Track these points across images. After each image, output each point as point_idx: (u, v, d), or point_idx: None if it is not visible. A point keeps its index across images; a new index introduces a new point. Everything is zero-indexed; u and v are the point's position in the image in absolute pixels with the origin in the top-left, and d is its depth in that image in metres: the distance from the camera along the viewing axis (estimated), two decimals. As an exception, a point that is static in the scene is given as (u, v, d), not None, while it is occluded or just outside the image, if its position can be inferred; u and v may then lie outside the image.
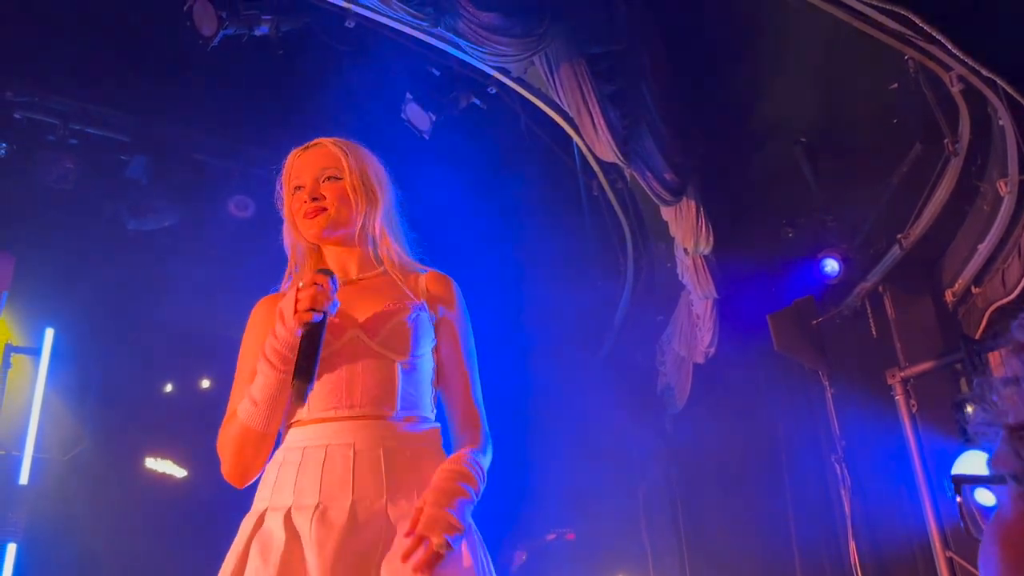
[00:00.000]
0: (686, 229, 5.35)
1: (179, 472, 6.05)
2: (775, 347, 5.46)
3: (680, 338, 6.12)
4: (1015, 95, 3.74)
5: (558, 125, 5.72)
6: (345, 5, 4.70)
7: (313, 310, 1.72)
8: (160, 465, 6.00)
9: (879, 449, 5.21)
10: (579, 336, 6.82)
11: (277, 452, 1.83)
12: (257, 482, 1.84)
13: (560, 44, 4.85)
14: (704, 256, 5.43)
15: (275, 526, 1.69)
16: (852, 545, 5.19)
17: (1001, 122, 4.02)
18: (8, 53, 5.16)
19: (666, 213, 5.52)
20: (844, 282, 5.42)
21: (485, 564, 1.76)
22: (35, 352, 5.68)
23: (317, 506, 1.69)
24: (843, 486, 5.27)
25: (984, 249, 4.57)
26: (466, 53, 5.00)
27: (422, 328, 1.88)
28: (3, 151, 5.45)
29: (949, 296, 5.07)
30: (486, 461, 1.86)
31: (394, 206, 2.07)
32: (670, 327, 6.36)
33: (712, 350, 5.70)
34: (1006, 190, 4.18)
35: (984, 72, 3.78)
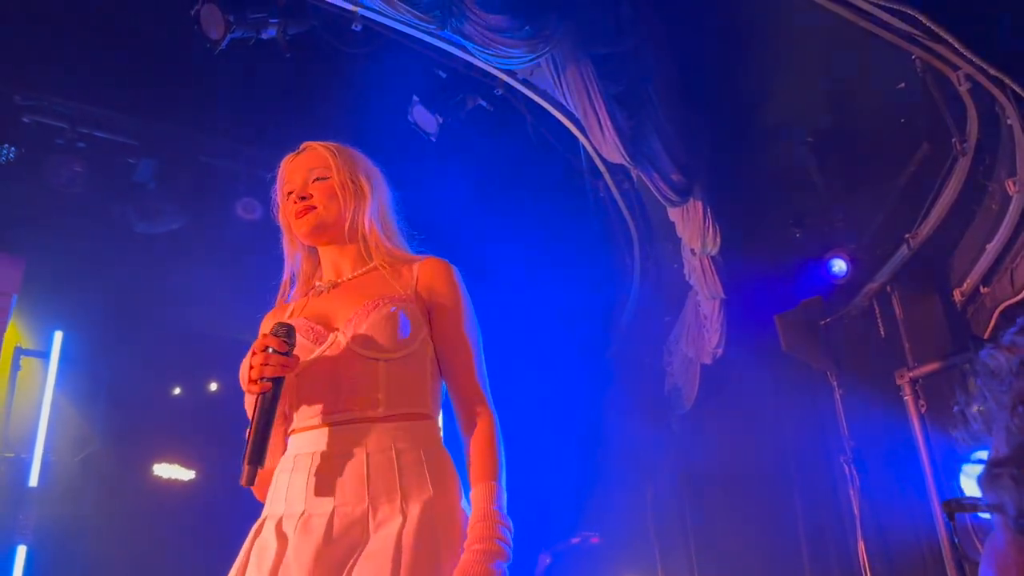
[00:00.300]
0: (693, 230, 5.35)
1: (187, 475, 6.07)
2: (783, 348, 5.46)
3: (687, 339, 6.11)
4: (1023, 94, 3.73)
5: (564, 126, 5.72)
6: (352, 8, 4.72)
7: (265, 378, 1.70)
8: (167, 471, 6.02)
9: (888, 449, 5.20)
10: (586, 337, 6.81)
11: (281, 460, 1.85)
12: None
13: (566, 45, 4.85)
14: (711, 257, 5.42)
15: (269, 534, 1.72)
16: (861, 545, 5.18)
17: (1009, 121, 4.01)
18: (16, 57, 5.18)
19: (673, 214, 5.51)
20: (852, 282, 5.41)
21: None
22: (44, 355, 5.69)
23: (303, 514, 1.70)
24: (852, 486, 5.26)
25: (992, 248, 4.56)
26: (472, 55, 5.01)
27: (406, 321, 1.83)
28: (12, 155, 5.47)
29: (957, 296, 5.05)
30: (499, 449, 1.82)
31: (388, 203, 2.07)
32: (677, 328, 6.35)
33: (719, 351, 5.70)
34: (1014, 189, 4.16)
35: (992, 71, 3.76)
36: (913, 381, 5.05)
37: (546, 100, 5.53)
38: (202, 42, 4.75)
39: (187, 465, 6.07)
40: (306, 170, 1.98)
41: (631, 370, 6.79)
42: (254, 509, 1.87)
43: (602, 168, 6.13)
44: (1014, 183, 4.15)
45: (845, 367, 5.56)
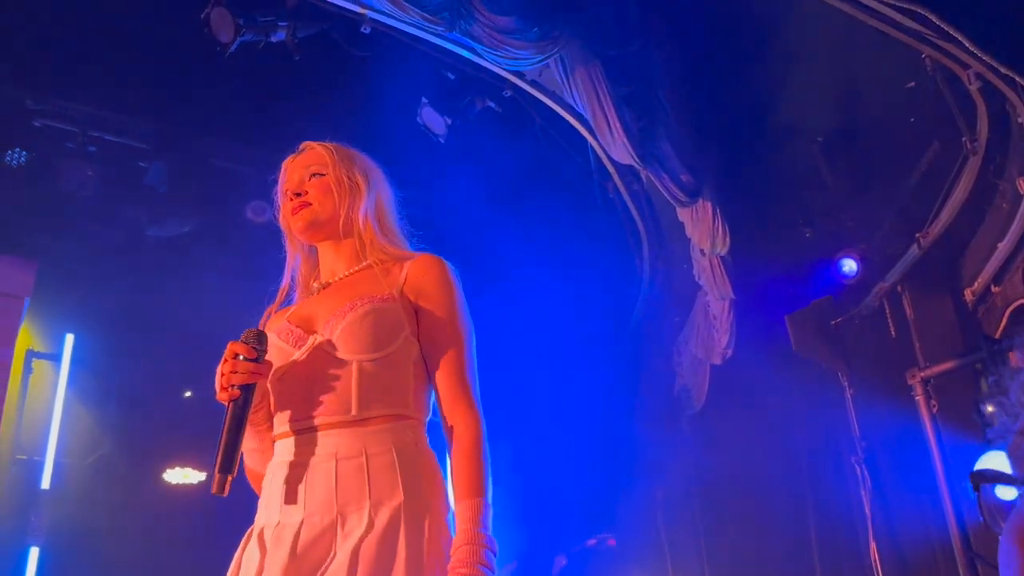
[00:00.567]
0: (702, 230, 5.34)
1: (198, 477, 6.09)
2: (793, 348, 5.44)
3: (697, 339, 6.10)
4: (1034, 92, 3.72)
5: (573, 127, 5.72)
6: (361, 11, 4.73)
7: (234, 386, 1.68)
8: (178, 473, 6.04)
9: (899, 450, 5.18)
10: (595, 337, 6.81)
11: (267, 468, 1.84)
12: None
13: (575, 47, 4.86)
14: (721, 257, 5.42)
15: (253, 545, 1.71)
16: (872, 546, 5.16)
17: (1020, 119, 4.00)
18: (27, 62, 5.21)
19: (682, 214, 5.51)
20: (862, 282, 5.39)
21: None
22: (56, 358, 5.72)
23: (278, 524, 1.69)
24: (863, 487, 5.24)
25: (1004, 247, 4.54)
26: (481, 57, 5.02)
27: (383, 321, 1.77)
28: (24, 159, 5.50)
29: (968, 295, 5.03)
30: (484, 460, 1.73)
31: (387, 200, 2.04)
32: (687, 328, 6.34)
33: (729, 351, 5.69)
34: (1025, 188, 4.15)
35: (1002, 69, 3.75)
36: (925, 381, 5.03)
37: (555, 101, 5.53)
38: (212, 45, 4.77)
39: (198, 467, 6.09)
40: (303, 168, 1.97)
41: (641, 371, 6.78)
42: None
43: (611, 169, 6.13)
44: (1025, 181, 4.13)
45: (856, 367, 5.54)
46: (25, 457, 5.53)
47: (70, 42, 5.13)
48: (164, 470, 6.04)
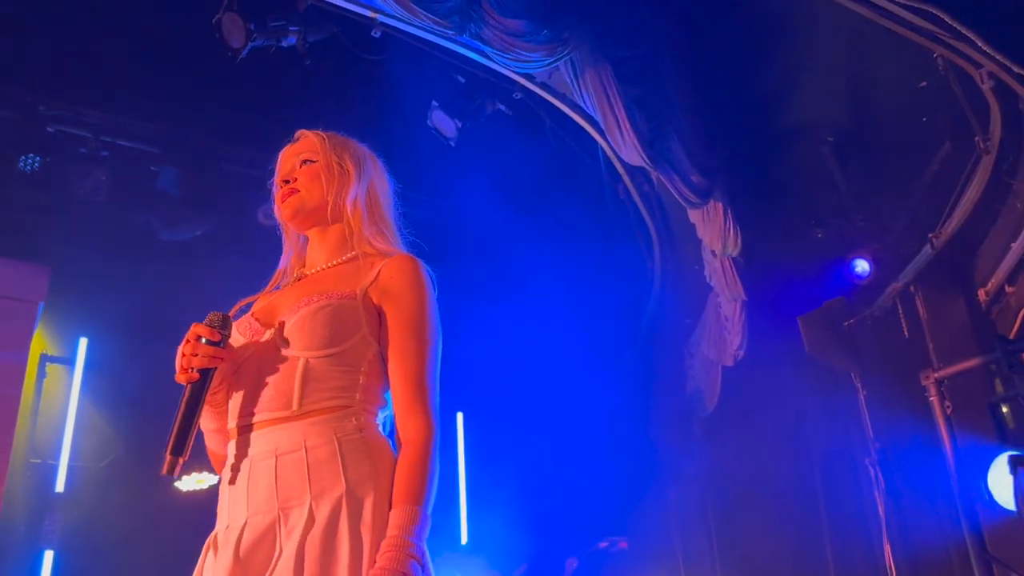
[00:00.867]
0: (713, 231, 5.33)
1: (211, 480, 6.10)
2: (806, 349, 5.42)
3: (708, 341, 6.09)
4: (1047, 91, 3.70)
5: (583, 129, 5.72)
6: (371, 15, 4.74)
7: (194, 369, 1.66)
8: (191, 476, 6.05)
9: (913, 451, 5.15)
10: (606, 339, 6.80)
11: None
12: None
13: (585, 49, 4.85)
14: (732, 258, 5.41)
15: (210, 549, 1.70)
16: (887, 548, 5.13)
17: (1033, 118, 3.98)
18: (40, 68, 5.25)
19: (693, 215, 5.50)
20: (875, 282, 5.37)
21: None
22: (69, 361, 5.75)
23: (227, 527, 1.66)
24: (877, 488, 5.22)
25: (1017, 247, 4.52)
26: (491, 60, 5.03)
27: (339, 318, 1.72)
28: (37, 164, 5.54)
29: (982, 295, 5.00)
30: (428, 468, 1.64)
31: (380, 191, 2.00)
32: (698, 330, 6.33)
33: (741, 352, 5.67)
34: (1039, 187, 4.13)
35: (1015, 69, 3.74)
36: (939, 382, 5.00)
37: (565, 103, 5.53)
38: (223, 51, 4.79)
39: (212, 470, 6.10)
40: (295, 156, 1.95)
41: (652, 373, 6.77)
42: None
43: (621, 170, 6.12)
44: (1039, 181, 4.11)
45: (869, 368, 5.52)
46: (39, 461, 5.55)
47: (82, 48, 5.16)
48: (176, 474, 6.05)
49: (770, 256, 5.54)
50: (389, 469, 1.66)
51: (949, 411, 4.89)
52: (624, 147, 5.10)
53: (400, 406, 1.71)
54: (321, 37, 4.97)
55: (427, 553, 1.59)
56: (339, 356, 1.71)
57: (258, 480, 1.64)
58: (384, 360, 1.77)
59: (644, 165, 5.22)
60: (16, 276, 5.27)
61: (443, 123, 5.61)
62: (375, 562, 1.53)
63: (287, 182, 1.91)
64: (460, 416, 7.16)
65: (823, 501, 5.71)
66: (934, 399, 4.99)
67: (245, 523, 1.62)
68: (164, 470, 1.63)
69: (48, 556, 5.34)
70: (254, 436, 1.69)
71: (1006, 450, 4.43)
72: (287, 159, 1.97)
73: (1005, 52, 3.71)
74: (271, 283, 1.99)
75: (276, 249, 2.07)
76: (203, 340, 1.68)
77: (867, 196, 5.45)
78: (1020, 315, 4.66)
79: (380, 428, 1.76)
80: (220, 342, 1.69)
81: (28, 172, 5.52)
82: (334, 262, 1.89)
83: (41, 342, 5.64)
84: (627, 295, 6.86)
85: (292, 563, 1.53)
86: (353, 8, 4.77)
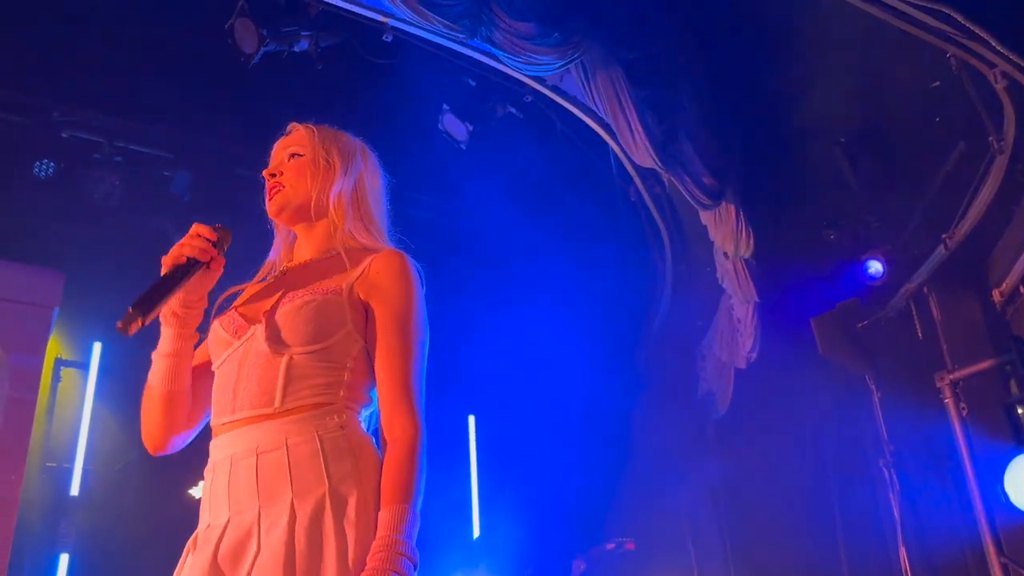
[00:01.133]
0: (726, 233, 5.32)
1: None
2: (819, 351, 5.40)
3: (721, 343, 6.07)
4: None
5: (595, 132, 5.72)
6: (383, 19, 4.76)
7: (183, 255, 1.69)
8: (202, 488, 6.07)
9: (928, 453, 5.12)
10: (618, 342, 6.80)
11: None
12: None
13: (596, 51, 4.85)
14: (744, 260, 5.39)
15: (190, 552, 1.68)
16: (902, 551, 5.10)
17: (1048, 118, 3.95)
18: (53, 73, 5.28)
19: (705, 217, 5.49)
20: (888, 283, 5.35)
21: None
22: (84, 366, 5.78)
23: (208, 526, 1.64)
24: (892, 491, 5.19)
25: (1033, 248, 4.49)
26: (502, 63, 5.03)
27: (323, 314, 1.69)
28: (51, 170, 5.57)
29: (997, 296, 4.97)
30: (416, 467, 1.62)
31: (369, 186, 1.96)
32: (710, 332, 6.32)
33: (754, 355, 5.66)
34: (1054, 187, 4.10)
35: (1030, 68, 3.72)
36: (954, 384, 4.97)
37: (576, 106, 5.53)
38: (236, 56, 4.81)
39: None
40: (284, 149, 1.94)
41: (664, 375, 6.76)
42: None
43: (632, 173, 6.11)
44: (1054, 181, 4.09)
45: (883, 370, 5.49)
46: (55, 464, 5.58)
47: (95, 53, 5.19)
48: (189, 477, 6.08)
49: (783, 258, 5.52)
50: (372, 467, 1.64)
51: (964, 413, 4.86)
52: (635, 149, 5.10)
53: (386, 404, 1.68)
54: (333, 42, 4.99)
55: (417, 552, 1.57)
56: (323, 352, 1.68)
57: (239, 479, 1.62)
58: (370, 356, 1.74)
59: (656, 167, 5.22)
60: (31, 281, 5.30)
61: (454, 126, 5.62)
62: (363, 562, 1.51)
63: (273, 176, 1.90)
64: (472, 419, 7.17)
65: (837, 504, 5.68)
66: (949, 401, 4.97)
67: (227, 522, 1.60)
68: (119, 324, 1.60)
69: (64, 559, 5.36)
70: (236, 434, 1.66)
71: (1023, 452, 4.40)
72: (277, 152, 1.96)
73: (1019, 52, 3.69)
74: (258, 275, 1.98)
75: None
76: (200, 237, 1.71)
77: (880, 197, 5.43)
78: (1036, 316, 4.63)
79: (363, 425, 1.73)
80: (216, 243, 1.72)
81: (42, 178, 5.56)
82: (320, 257, 1.87)
83: (56, 347, 5.67)
84: (638, 298, 6.85)
85: (279, 561, 1.50)
86: (365, 13, 4.78)
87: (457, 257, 5.90)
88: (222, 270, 1.78)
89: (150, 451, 1.86)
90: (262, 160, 1.98)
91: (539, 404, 6.52)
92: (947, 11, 3.82)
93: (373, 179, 1.98)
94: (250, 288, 1.93)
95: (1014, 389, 4.84)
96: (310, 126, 1.95)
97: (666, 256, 6.63)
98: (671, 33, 5.21)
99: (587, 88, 4.99)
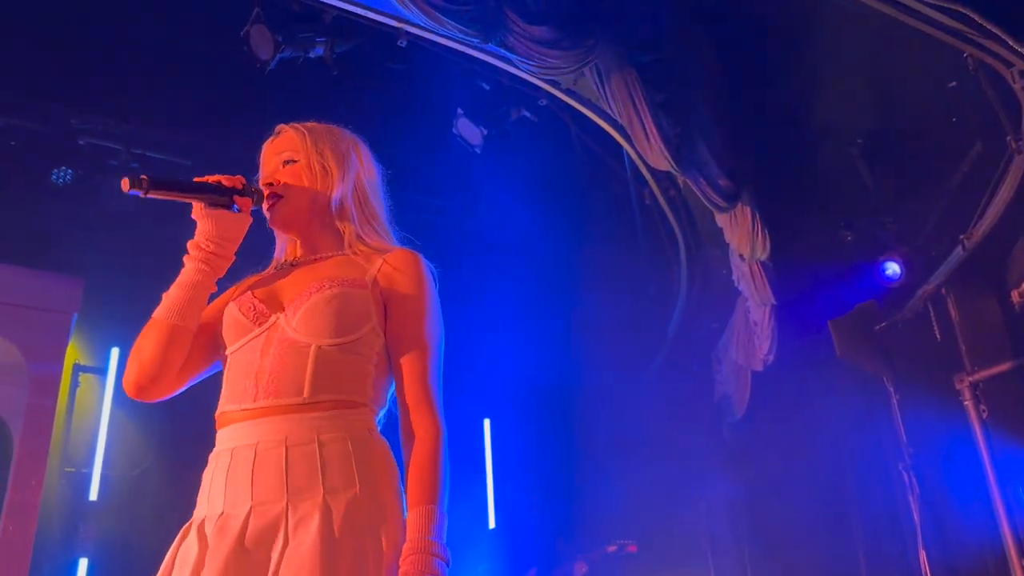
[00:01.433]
0: (742, 235, 5.30)
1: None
2: (837, 354, 5.37)
3: (737, 345, 6.05)
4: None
5: (609, 135, 5.72)
6: (398, 25, 4.78)
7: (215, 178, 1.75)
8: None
9: (949, 456, 5.08)
10: (633, 345, 6.78)
11: (210, 458, 1.73)
12: None
13: (610, 54, 4.85)
14: (761, 262, 5.37)
15: (192, 539, 1.62)
16: (922, 555, 5.06)
17: (1067, 117, 3.92)
18: (71, 81, 5.33)
19: (721, 219, 5.47)
20: (906, 285, 5.31)
21: None
22: (102, 371, 5.82)
23: (222, 515, 1.59)
24: (911, 494, 5.15)
25: (1052, 248, 4.45)
26: (516, 67, 5.04)
27: (351, 307, 1.69)
28: (69, 177, 5.62)
29: (1015, 296, 4.93)
30: (441, 466, 1.63)
31: (369, 183, 1.94)
32: (726, 334, 6.29)
33: (771, 357, 5.63)
34: (1073, 187, 4.07)
35: (1048, 67, 3.69)
36: (973, 385, 4.94)
37: (590, 109, 5.53)
38: (252, 62, 4.84)
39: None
40: (275, 155, 1.91)
41: (680, 378, 6.74)
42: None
43: (647, 176, 6.10)
44: (1073, 180, 4.05)
45: (902, 372, 5.45)
46: (73, 470, 5.62)
47: (113, 61, 5.23)
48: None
49: (799, 260, 5.50)
50: (395, 473, 1.65)
51: (985, 415, 4.82)
52: (650, 152, 5.09)
53: (409, 404, 1.68)
54: (348, 47, 5.02)
55: (448, 551, 1.57)
56: (351, 346, 1.68)
57: (265, 469, 1.58)
58: (388, 355, 1.74)
59: (671, 170, 5.21)
60: (51, 288, 5.34)
61: (468, 131, 5.63)
62: (397, 565, 1.52)
63: (270, 185, 1.87)
64: (487, 423, 7.17)
65: (856, 507, 5.64)
66: (968, 403, 4.93)
67: (250, 512, 1.56)
68: (126, 178, 1.63)
69: (83, 564, 5.39)
70: (259, 423, 1.63)
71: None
72: (269, 158, 1.93)
73: (1037, 50, 3.67)
74: (271, 266, 1.97)
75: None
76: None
77: (897, 198, 5.40)
78: (1056, 317, 4.59)
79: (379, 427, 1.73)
80: (243, 190, 1.77)
81: (60, 185, 5.61)
82: (330, 254, 1.86)
83: (75, 352, 5.71)
84: (654, 300, 6.84)
85: (316, 558, 1.48)
86: (380, 18, 4.80)
87: (471, 260, 5.92)
88: (249, 222, 1.81)
89: (131, 392, 1.81)
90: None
91: (553, 406, 6.52)
92: (964, 10, 3.80)
93: (370, 174, 1.96)
94: (262, 277, 1.92)
95: (1034, 391, 4.80)
96: (299, 127, 1.92)
97: (681, 258, 6.62)
98: (686, 35, 5.21)
99: (601, 91, 4.99)
